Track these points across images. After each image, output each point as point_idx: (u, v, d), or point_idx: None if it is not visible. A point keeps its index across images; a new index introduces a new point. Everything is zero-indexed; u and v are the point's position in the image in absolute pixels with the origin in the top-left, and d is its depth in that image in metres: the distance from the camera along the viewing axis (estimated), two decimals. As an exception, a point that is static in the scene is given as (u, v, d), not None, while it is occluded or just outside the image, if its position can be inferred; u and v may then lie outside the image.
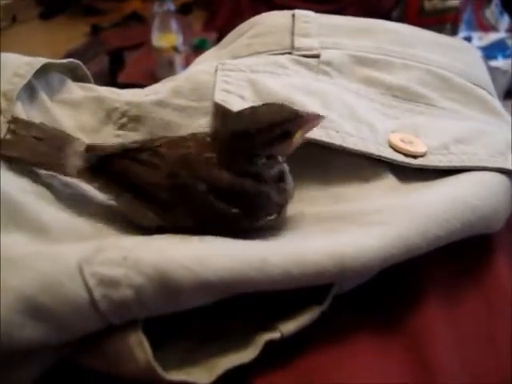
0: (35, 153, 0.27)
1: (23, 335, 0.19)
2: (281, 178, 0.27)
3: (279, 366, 0.23)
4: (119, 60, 1.60)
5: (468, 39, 1.54)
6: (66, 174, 0.28)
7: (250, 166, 0.26)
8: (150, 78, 1.35)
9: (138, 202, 0.27)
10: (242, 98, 0.32)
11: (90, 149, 0.28)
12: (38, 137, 0.28)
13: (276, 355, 0.23)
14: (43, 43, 1.94)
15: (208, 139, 0.27)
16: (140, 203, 0.27)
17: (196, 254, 0.22)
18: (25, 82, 0.32)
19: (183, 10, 1.81)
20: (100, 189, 0.28)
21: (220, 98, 0.32)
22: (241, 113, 0.27)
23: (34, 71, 0.33)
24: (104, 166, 0.28)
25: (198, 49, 1.50)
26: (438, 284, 0.28)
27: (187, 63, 1.40)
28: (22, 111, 0.31)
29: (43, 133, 0.28)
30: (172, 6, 1.32)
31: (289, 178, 0.27)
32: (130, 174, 0.27)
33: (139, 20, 1.96)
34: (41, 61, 0.34)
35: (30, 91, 0.33)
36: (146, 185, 0.27)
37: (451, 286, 0.28)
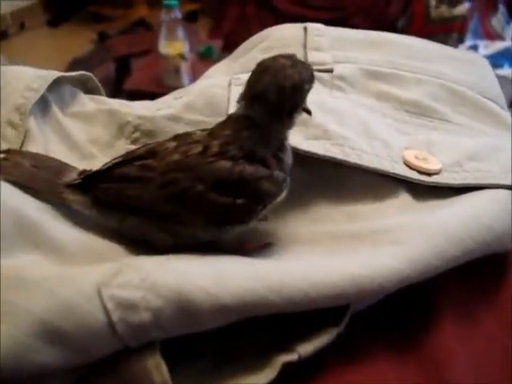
0: (33, 178, 0.27)
1: (40, 359, 0.19)
2: (279, 164, 0.26)
3: None
4: (126, 67, 1.61)
5: (474, 48, 1.54)
6: (65, 202, 0.27)
7: (290, 121, 0.26)
8: (156, 84, 1.36)
9: (144, 222, 0.26)
10: None
11: (80, 175, 0.28)
12: (34, 165, 0.27)
13: (291, 375, 0.22)
14: (51, 50, 1.96)
15: (197, 133, 0.27)
16: (147, 223, 0.26)
17: (215, 276, 0.21)
18: (38, 96, 0.31)
19: (189, 18, 1.82)
20: (102, 215, 0.27)
21: None
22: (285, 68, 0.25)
23: (47, 85, 0.33)
24: (95, 192, 0.26)
25: (204, 56, 1.51)
26: (453, 303, 0.27)
27: (193, 70, 1.40)
28: (34, 126, 0.31)
29: (39, 162, 0.28)
30: (179, 14, 1.33)
31: (286, 168, 0.27)
32: (125, 197, 0.26)
33: (146, 27, 1.98)
34: (54, 74, 0.34)
35: (42, 105, 0.33)
36: (144, 202, 0.26)
37: (466, 305, 0.28)
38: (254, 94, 0.26)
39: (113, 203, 0.26)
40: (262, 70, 0.26)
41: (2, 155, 0.27)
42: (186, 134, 0.27)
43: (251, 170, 0.25)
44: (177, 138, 0.27)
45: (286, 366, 0.22)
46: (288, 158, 0.27)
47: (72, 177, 0.27)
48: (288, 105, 0.26)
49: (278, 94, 0.25)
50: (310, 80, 0.26)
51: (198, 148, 0.26)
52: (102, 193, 0.26)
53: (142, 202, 0.26)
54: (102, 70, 1.66)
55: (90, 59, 1.77)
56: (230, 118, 0.27)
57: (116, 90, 1.43)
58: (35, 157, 0.28)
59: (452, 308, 0.27)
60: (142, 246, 0.26)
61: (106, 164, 0.28)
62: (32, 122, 0.30)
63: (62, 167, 0.28)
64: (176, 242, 0.26)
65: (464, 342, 0.26)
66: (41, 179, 0.27)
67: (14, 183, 0.26)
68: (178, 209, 0.25)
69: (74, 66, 1.71)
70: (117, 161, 0.27)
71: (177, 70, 1.35)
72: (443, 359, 0.24)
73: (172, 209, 0.25)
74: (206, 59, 1.49)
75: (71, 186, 0.27)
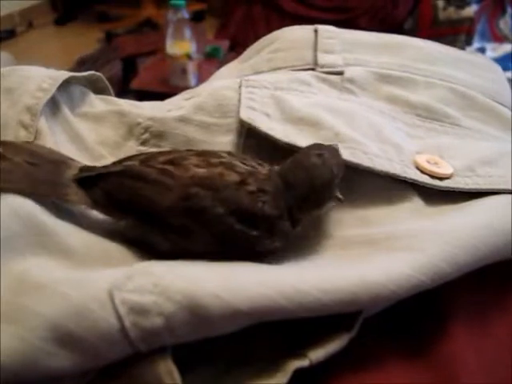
0: (33, 182, 0.25)
1: (51, 363, 0.19)
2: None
3: None
4: (132, 66, 1.61)
5: (482, 50, 1.53)
6: (67, 202, 0.26)
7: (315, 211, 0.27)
8: (162, 84, 1.36)
9: (147, 227, 0.25)
10: (267, 115, 0.32)
11: (84, 170, 0.26)
12: (32, 162, 0.25)
13: (300, 379, 0.22)
14: (58, 48, 1.97)
15: (225, 157, 0.26)
16: (150, 228, 0.25)
17: (226, 281, 0.21)
18: (49, 96, 0.31)
19: (196, 18, 1.83)
20: (105, 213, 0.26)
21: (246, 115, 0.32)
22: (315, 163, 0.26)
23: (57, 85, 0.32)
24: (105, 186, 0.25)
25: (211, 56, 1.51)
26: (464, 308, 0.27)
27: (200, 70, 1.40)
28: (45, 126, 0.31)
29: (36, 157, 0.26)
30: (186, 14, 1.33)
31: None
32: (139, 197, 0.25)
33: (153, 27, 1.98)
34: (64, 74, 0.34)
35: (52, 105, 0.33)
36: (159, 209, 0.25)
37: (477, 310, 0.28)
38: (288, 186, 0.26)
39: (122, 201, 0.25)
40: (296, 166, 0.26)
41: (1, 149, 0.25)
42: (214, 153, 0.27)
43: (271, 208, 0.25)
44: (203, 154, 0.27)
45: (297, 372, 0.22)
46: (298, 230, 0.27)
47: (74, 171, 0.26)
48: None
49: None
50: (341, 171, 0.27)
51: (234, 177, 0.25)
52: (114, 187, 0.25)
53: (156, 207, 0.25)
54: (108, 70, 1.67)
55: (97, 58, 1.78)
56: (272, 171, 0.26)
57: (122, 89, 1.44)
58: (32, 150, 0.26)
59: (463, 313, 0.27)
60: (139, 246, 0.26)
61: (119, 161, 0.27)
62: (43, 123, 0.30)
63: (60, 160, 0.27)
64: (174, 250, 0.25)
65: (475, 347, 0.26)
66: (41, 180, 0.25)
67: (15, 191, 0.24)
68: (192, 224, 0.25)
69: (80, 64, 1.72)
70: (133, 162, 0.26)
71: (183, 70, 1.35)
72: (455, 365, 0.24)
73: (185, 222, 0.25)
74: (212, 59, 1.50)
75: (75, 182, 0.26)
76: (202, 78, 1.41)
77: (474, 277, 0.27)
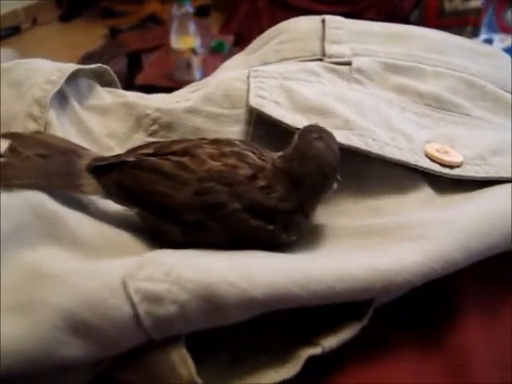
0: (46, 175, 0.25)
1: (65, 352, 0.19)
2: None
3: (318, 381, 0.22)
4: (137, 62, 1.61)
5: (489, 41, 1.52)
6: (81, 193, 0.26)
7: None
8: (167, 79, 1.36)
9: (160, 218, 0.25)
10: (277, 103, 0.32)
11: (96, 160, 0.26)
12: (42, 154, 0.25)
13: (312, 369, 0.22)
14: (62, 45, 1.97)
15: (239, 145, 0.26)
16: (163, 220, 0.25)
17: (240, 269, 0.21)
18: (57, 88, 0.31)
19: (200, 13, 1.82)
20: (117, 202, 0.26)
21: (255, 102, 0.31)
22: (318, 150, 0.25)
23: (65, 77, 0.33)
24: (112, 177, 0.25)
25: (215, 51, 1.51)
26: (476, 303, 0.27)
27: (205, 65, 1.40)
28: (54, 118, 0.31)
29: (48, 148, 0.26)
30: (191, 9, 1.32)
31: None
32: (153, 191, 0.24)
33: (157, 22, 1.98)
34: (71, 67, 0.34)
35: (60, 97, 0.33)
36: (175, 203, 0.24)
37: (489, 306, 0.27)
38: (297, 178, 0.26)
39: (135, 192, 0.25)
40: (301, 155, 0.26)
41: (7, 144, 0.25)
42: (227, 142, 0.26)
43: (286, 205, 0.25)
44: (216, 142, 0.26)
45: (309, 360, 0.22)
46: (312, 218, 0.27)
47: (85, 161, 0.26)
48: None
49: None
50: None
51: (247, 171, 0.25)
52: (127, 178, 0.25)
53: (171, 201, 0.24)
54: (113, 65, 1.66)
55: (102, 54, 1.78)
56: (279, 167, 0.26)
57: (128, 84, 1.44)
58: (43, 141, 0.26)
59: (475, 305, 0.27)
60: (151, 234, 0.26)
61: (131, 150, 0.27)
62: (52, 115, 0.30)
63: (72, 150, 0.26)
64: (187, 240, 0.25)
65: (486, 338, 0.26)
66: (54, 173, 0.25)
67: (30, 187, 0.24)
68: (207, 219, 0.24)
69: (85, 60, 1.72)
70: (148, 151, 0.26)
71: (188, 65, 1.35)
72: (467, 355, 0.24)
73: (200, 217, 0.24)
74: (217, 54, 1.49)
75: (88, 171, 0.25)
76: (206, 73, 1.41)
77: (486, 269, 0.27)
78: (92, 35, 1.92)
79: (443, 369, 0.24)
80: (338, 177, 0.27)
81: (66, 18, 2.17)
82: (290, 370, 0.21)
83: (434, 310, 0.26)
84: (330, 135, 0.27)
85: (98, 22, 2.06)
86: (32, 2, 2.07)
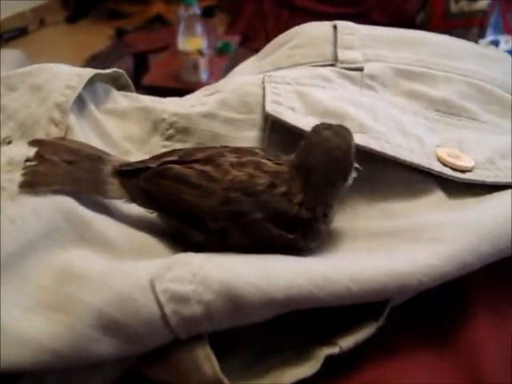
0: (74, 181, 0.25)
1: (96, 349, 0.20)
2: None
3: (335, 380, 0.23)
4: (143, 62, 1.62)
5: (495, 43, 1.52)
6: (107, 198, 0.26)
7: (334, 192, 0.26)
8: (174, 80, 1.37)
9: (185, 225, 0.26)
10: (292, 109, 0.32)
11: (122, 166, 0.27)
12: (69, 160, 0.26)
13: (329, 368, 0.23)
14: (69, 46, 1.98)
15: (258, 153, 0.27)
16: (188, 226, 0.26)
17: (260, 271, 0.22)
18: (76, 93, 0.32)
19: (206, 14, 1.83)
20: (142, 207, 0.27)
21: (272, 109, 0.31)
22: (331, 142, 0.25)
23: (84, 83, 0.33)
24: (137, 184, 0.26)
25: (222, 52, 1.51)
26: (487, 301, 0.27)
27: (211, 66, 1.41)
28: (75, 123, 0.31)
29: (73, 154, 0.27)
30: (198, 10, 1.33)
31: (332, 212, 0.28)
32: (179, 200, 0.25)
33: (163, 23, 1.99)
34: (89, 72, 0.34)
35: (78, 102, 0.33)
36: (201, 213, 0.25)
37: (499, 306, 0.28)
38: (307, 169, 0.26)
39: (160, 200, 0.26)
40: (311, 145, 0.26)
41: (39, 150, 0.26)
42: (247, 150, 0.27)
43: (306, 213, 0.26)
44: (237, 151, 0.27)
45: (326, 359, 0.22)
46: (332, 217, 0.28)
47: (110, 166, 0.27)
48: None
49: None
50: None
51: (265, 179, 0.25)
52: (152, 187, 0.26)
53: (199, 210, 0.25)
54: (119, 66, 1.67)
55: (108, 55, 1.79)
56: (294, 165, 0.26)
57: (134, 85, 1.44)
58: (68, 147, 0.27)
59: (485, 305, 0.27)
60: (176, 238, 0.27)
61: (155, 157, 0.27)
62: (72, 119, 0.31)
63: (96, 155, 0.27)
64: (209, 245, 0.26)
65: (496, 336, 0.26)
66: (82, 179, 0.26)
67: (59, 193, 0.25)
68: (230, 227, 0.25)
69: (92, 61, 1.73)
70: (172, 158, 0.27)
71: (195, 66, 1.35)
72: (477, 352, 0.25)
73: (224, 225, 0.25)
74: (223, 55, 1.50)
75: (114, 176, 0.26)
76: (213, 74, 1.40)
77: (497, 272, 0.27)
78: (99, 36, 1.93)
79: (455, 366, 0.24)
80: (357, 165, 0.27)
81: (72, 19, 2.18)
82: (309, 368, 0.22)
83: (446, 310, 0.27)
84: (342, 126, 0.27)
85: (104, 22, 2.08)
86: (39, 4, 2.09)
